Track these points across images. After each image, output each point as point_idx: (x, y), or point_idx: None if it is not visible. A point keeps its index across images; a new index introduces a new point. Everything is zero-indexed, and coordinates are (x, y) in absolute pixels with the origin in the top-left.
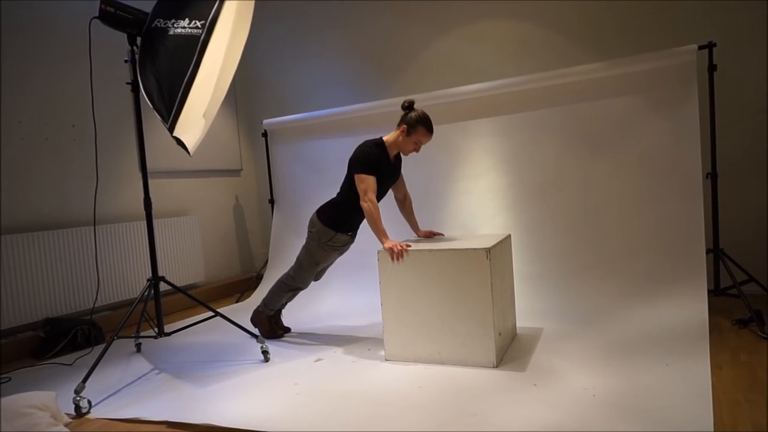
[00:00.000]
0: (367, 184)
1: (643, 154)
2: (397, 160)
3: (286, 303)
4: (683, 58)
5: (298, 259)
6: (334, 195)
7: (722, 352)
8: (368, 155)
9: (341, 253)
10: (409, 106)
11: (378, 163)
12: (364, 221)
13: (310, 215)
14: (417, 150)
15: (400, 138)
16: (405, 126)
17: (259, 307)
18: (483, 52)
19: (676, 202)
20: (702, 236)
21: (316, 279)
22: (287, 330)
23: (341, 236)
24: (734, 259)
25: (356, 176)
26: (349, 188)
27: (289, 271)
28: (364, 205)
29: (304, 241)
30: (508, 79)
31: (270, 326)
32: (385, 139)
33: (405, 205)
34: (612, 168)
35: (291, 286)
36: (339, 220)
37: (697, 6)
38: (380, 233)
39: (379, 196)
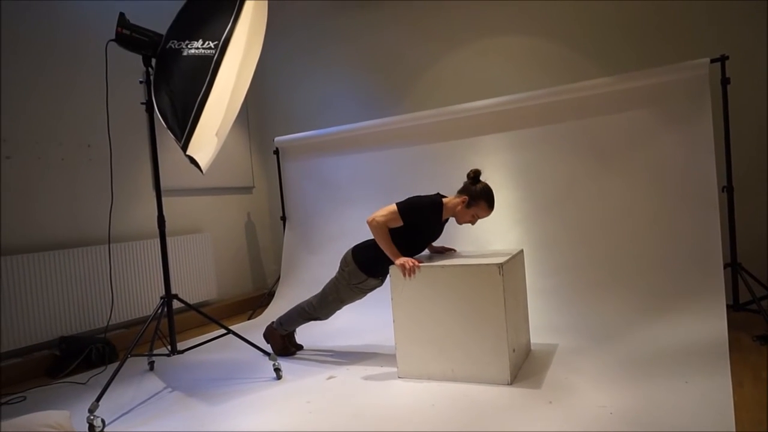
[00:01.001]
0: (389, 218)
1: (657, 168)
2: (444, 222)
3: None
4: (696, 71)
5: (324, 291)
6: (347, 212)
7: (743, 368)
8: (419, 209)
9: (366, 294)
10: (474, 177)
11: (421, 220)
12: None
13: (322, 232)
14: (473, 223)
15: (459, 208)
16: (467, 197)
17: (273, 324)
18: (493, 68)
19: (692, 216)
20: (719, 250)
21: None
22: (300, 347)
23: (372, 281)
24: (753, 274)
25: (393, 204)
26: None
27: (312, 299)
28: (372, 222)
29: (315, 258)
30: (518, 94)
31: (283, 344)
32: (444, 201)
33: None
34: (626, 182)
35: (311, 315)
36: (374, 264)
37: (708, 19)
38: (390, 250)
39: (416, 250)
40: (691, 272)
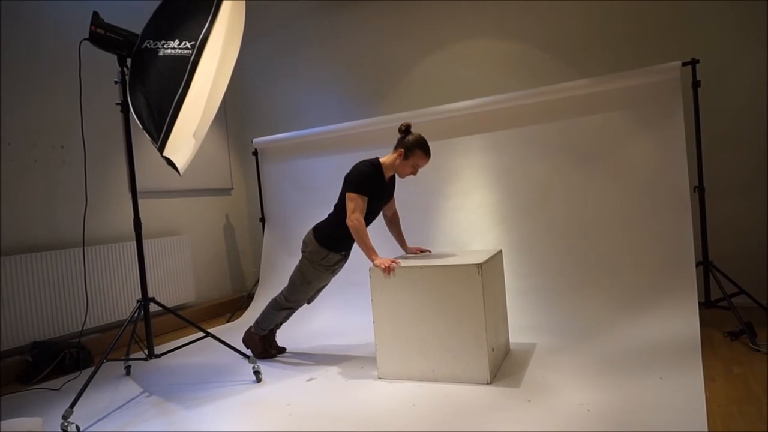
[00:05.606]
0: (356, 204)
1: (631, 169)
2: (392, 181)
3: (280, 323)
4: (668, 74)
5: (290, 278)
6: (326, 214)
7: (715, 364)
8: (362, 175)
9: (333, 272)
10: (405, 130)
11: (371, 184)
12: None
13: (302, 233)
14: (414, 173)
15: (398, 161)
16: (402, 149)
17: (251, 327)
18: (471, 70)
19: (665, 216)
20: (691, 249)
21: (309, 302)
22: (282, 350)
23: (333, 255)
24: (723, 272)
25: (347, 195)
26: (343, 206)
27: (282, 290)
28: (350, 223)
29: (295, 260)
30: (496, 96)
31: (262, 347)
32: (381, 160)
33: (393, 222)
34: (601, 183)
35: (283, 305)
36: (332, 238)
37: (680, 23)
38: (369, 251)
39: (371, 216)
40: (665, 271)
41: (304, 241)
